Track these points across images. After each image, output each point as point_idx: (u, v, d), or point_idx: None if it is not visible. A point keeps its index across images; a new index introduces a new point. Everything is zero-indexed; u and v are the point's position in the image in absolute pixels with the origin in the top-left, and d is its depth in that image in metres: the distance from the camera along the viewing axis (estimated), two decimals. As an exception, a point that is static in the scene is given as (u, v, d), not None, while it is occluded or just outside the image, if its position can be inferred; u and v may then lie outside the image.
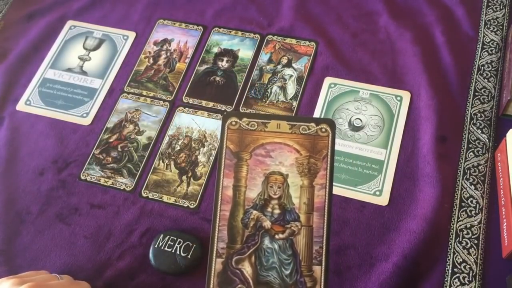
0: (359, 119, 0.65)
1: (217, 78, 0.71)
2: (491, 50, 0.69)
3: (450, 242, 0.55)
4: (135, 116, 0.68)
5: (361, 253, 0.56)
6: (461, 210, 0.57)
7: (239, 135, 0.41)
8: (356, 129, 0.64)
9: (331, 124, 0.41)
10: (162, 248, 0.56)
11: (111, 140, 0.67)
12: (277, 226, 0.40)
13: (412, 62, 0.68)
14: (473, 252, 0.55)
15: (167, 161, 0.64)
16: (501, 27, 0.71)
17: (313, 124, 0.41)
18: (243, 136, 0.41)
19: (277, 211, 0.40)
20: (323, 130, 0.41)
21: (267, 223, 0.40)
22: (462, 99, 0.65)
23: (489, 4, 0.73)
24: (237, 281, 0.39)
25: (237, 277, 0.39)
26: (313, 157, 0.41)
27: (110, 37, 0.76)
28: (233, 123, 0.41)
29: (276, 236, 0.40)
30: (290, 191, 0.41)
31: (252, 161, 0.41)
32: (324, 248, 0.40)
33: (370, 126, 0.64)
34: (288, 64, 0.71)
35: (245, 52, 0.73)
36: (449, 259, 0.55)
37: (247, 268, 0.39)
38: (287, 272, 0.39)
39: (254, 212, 0.40)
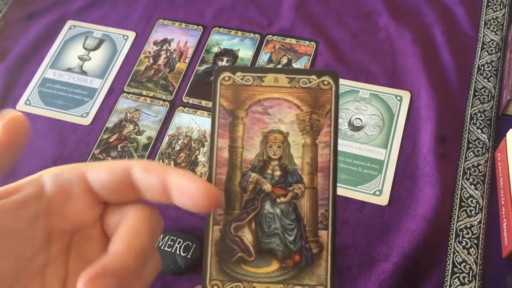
0: (359, 119, 0.65)
1: (217, 78, 0.71)
2: (491, 50, 0.69)
3: (450, 242, 0.55)
4: (135, 116, 0.68)
5: (361, 253, 0.56)
6: (461, 210, 0.57)
7: (233, 91, 0.37)
8: (356, 129, 0.64)
9: (334, 76, 0.37)
10: (162, 248, 0.56)
11: (111, 140, 0.67)
12: (278, 189, 0.37)
13: (412, 62, 0.68)
14: (473, 252, 0.55)
15: (167, 161, 0.64)
16: (501, 27, 0.71)
17: (314, 77, 0.37)
18: (237, 92, 0.37)
19: (277, 173, 0.37)
20: (326, 83, 0.37)
21: (267, 186, 0.37)
22: (462, 99, 0.65)
23: (489, 4, 0.73)
24: (237, 249, 0.36)
25: (237, 245, 0.36)
26: (316, 112, 0.37)
27: (110, 37, 0.76)
28: (226, 78, 0.37)
29: (278, 200, 0.37)
30: (291, 150, 0.37)
31: (248, 119, 0.37)
32: (330, 211, 0.36)
33: (370, 126, 0.64)
34: (288, 64, 0.71)
35: (245, 52, 0.73)
36: (449, 259, 0.55)
37: (247, 235, 0.36)
38: (291, 238, 0.36)
39: (253, 174, 0.37)
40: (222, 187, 0.36)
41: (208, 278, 0.36)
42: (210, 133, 0.37)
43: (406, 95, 0.66)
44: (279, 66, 0.70)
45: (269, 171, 0.37)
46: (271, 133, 0.37)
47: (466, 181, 0.59)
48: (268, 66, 0.61)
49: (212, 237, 0.36)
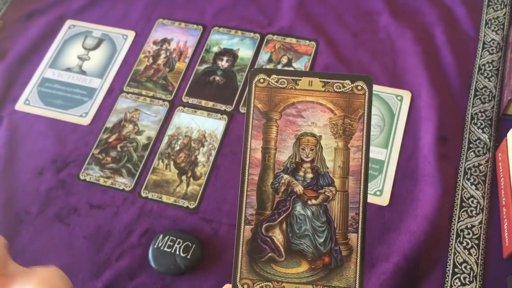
0: (359, 118, 0.64)
1: (217, 78, 0.70)
2: (492, 50, 0.68)
3: (451, 242, 0.55)
4: (134, 116, 0.68)
5: (362, 254, 0.55)
6: (462, 210, 0.57)
7: (267, 93, 0.39)
8: (356, 129, 0.64)
9: (368, 81, 0.38)
10: (162, 248, 0.55)
11: (110, 140, 0.66)
12: (310, 191, 0.38)
13: (413, 61, 0.68)
14: (473, 252, 0.54)
15: (166, 161, 0.64)
16: (501, 27, 0.70)
17: (348, 82, 0.38)
18: (272, 95, 0.38)
19: (309, 175, 0.38)
20: (359, 88, 0.38)
21: (299, 188, 0.38)
22: (463, 99, 0.65)
23: (490, 3, 0.73)
24: (268, 249, 0.37)
25: (268, 245, 0.37)
26: (349, 117, 0.38)
27: (110, 37, 0.76)
28: (261, 80, 0.39)
29: (309, 202, 0.38)
30: (323, 153, 0.38)
31: (282, 121, 0.38)
32: (360, 214, 0.37)
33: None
34: (288, 64, 0.70)
35: (245, 52, 0.72)
36: (449, 260, 0.54)
37: (278, 236, 0.37)
38: (321, 240, 0.37)
39: (285, 176, 0.38)
40: (254, 187, 0.37)
41: (239, 277, 0.36)
42: (244, 134, 0.38)
43: (406, 95, 0.66)
44: (279, 66, 0.70)
45: (301, 173, 0.38)
46: (304, 136, 0.38)
47: (467, 181, 0.59)
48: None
49: (244, 236, 0.37)
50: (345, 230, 0.37)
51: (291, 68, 0.70)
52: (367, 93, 0.38)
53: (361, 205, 0.37)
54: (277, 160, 0.38)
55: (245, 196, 0.38)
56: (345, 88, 0.38)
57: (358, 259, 0.37)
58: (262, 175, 0.38)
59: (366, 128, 0.38)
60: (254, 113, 0.38)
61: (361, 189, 0.37)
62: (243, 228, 0.37)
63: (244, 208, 0.37)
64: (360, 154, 0.38)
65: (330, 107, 0.38)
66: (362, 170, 0.38)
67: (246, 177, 0.38)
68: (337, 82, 0.38)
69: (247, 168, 0.38)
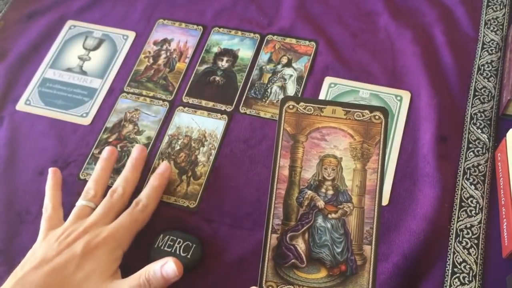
0: (359, 119, 0.65)
1: (217, 78, 0.71)
2: (491, 50, 0.68)
3: (450, 242, 0.55)
4: (134, 115, 0.68)
5: (361, 253, 0.55)
6: (461, 210, 0.57)
7: (296, 118, 0.43)
8: (356, 129, 0.64)
9: (385, 112, 0.43)
10: (162, 248, 0.56)
11: (110, 140, 0.67)
12: (330, 206, 0.42)
13: (412, 62, 0.68)
14: (473, 252, 0.55)
15: (166, 161, 0.64)
16: (501, 27, 0.71)
17: (367, 111, 0.43)
18: (299, 120, 0.43)
19: (330, 192, 0.42)
20: (377, 117, 0.43)
21: (321, 203, 0.42)
22: (462, 99, 0.65)
23: (489, 3, 0.73)
24: (291, 256, 0.41)
25: (291, 252, 0.41)
26: (366, 142, 0.42)
27: (110, 37, 0.76)
28: (291, 106, 0.43)
29: (329, 216, 0.42)
30: (343, 173, 0.42)
31: (308, 143, 0.43)
32: (374, 229, 0.41)
33: (370, 126, 0.64)
34: (288, 64, 0.71)
35: (245, 52, 0.73)
36: (449, 259, 0.55)
37: (300, 245, 0.41)
38: (339, 250, 0.41)
39: (309, 192, 0.42)
40: (281, 200, 0.42)
41: (265, 280, 0.41)
42: (273, 153, 0.42)
43: (406, 95, 0.66)
44: (279, 66, 0.70)
45: (323, 190, 0.42)
46: (327, 157, 0.43)
47: (466, 181, 0.59)
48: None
49: (270, 243, 0.41)
50: (360, 242, 0.41)
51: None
52: (383, 122, 0.43)
53: (375, 221, 0.41)
54: (302, 177, 0.42)
55: (272, 208, 0.42)
56: (364, 117, 0.43)
57: (371, 268, 0.41)
58: (289, 190, 0.42)
59: (382, 153, 0.42)
60: (283, 135, 0.43)
61: (376, 206, 0.41)
62: (270, 236, 0.41)
63: (271, 219, 0.42)
64: (375, 175, 0.42)
65: (350, 133, 0.43)
66: (377, 189, 0.42)
67: (274, 191, 0.42)
68: (357, 112, 0.43)
69: (275, 183, 0.42)
